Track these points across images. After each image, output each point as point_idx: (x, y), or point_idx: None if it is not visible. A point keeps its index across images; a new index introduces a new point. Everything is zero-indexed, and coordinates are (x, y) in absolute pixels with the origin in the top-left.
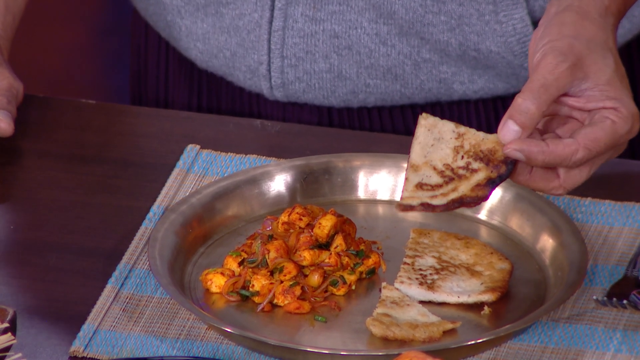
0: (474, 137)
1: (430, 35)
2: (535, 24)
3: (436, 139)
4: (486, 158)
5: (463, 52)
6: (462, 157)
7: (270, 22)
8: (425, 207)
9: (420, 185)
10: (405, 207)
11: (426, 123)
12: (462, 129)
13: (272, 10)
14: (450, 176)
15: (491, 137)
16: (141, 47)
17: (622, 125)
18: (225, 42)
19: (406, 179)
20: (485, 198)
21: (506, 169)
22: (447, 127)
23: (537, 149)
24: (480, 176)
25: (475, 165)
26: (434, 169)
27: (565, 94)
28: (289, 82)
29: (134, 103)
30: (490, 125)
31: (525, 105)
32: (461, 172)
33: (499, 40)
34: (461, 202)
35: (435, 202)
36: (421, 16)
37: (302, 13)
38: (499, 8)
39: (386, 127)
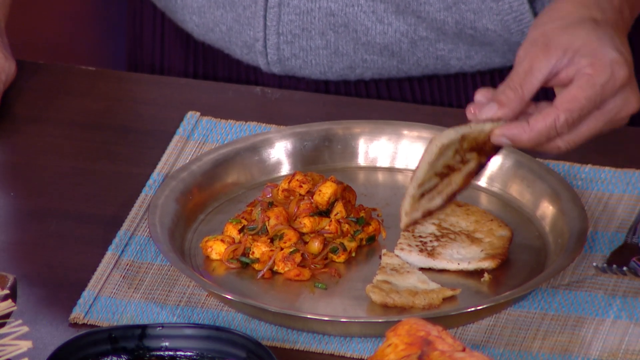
0: (474, 135)
1: (427, 14)
2: (531, 2)
3: (443, 154)
4: (478, 147)
5: (460, 30)
6: (460, 154)
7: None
8: (427, 214)
9: (422, 195)
10: (409, 224)
11: (439, 150)
12: (466, 130)
13: None
14: (447, 172)
15: (488, 129)
16: (137, 15)
17: (599, 74)
18: (221, 16)
19: (412, 196)
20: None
21: (495, 153)
22: (455, 141)
23: (518, 129)
24: (471, 165)
25: (469, 156)
26: (436, 174)
27: (555, 75)
28: (285, 58)
29: (130, 71)
30: None
31: (506, 96)
32: (456, 165)
33: (495, 18)
34: (454, 194)
35: (433, 204)
36: None
37: None
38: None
39: (383, 98)
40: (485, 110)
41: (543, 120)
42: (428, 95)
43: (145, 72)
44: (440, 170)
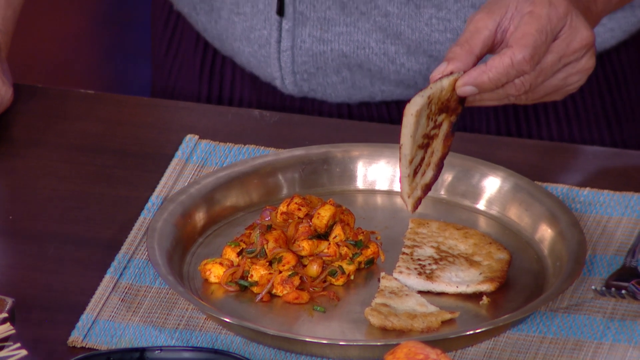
0: (436, 94)
1: (438, 53)
2: None
3: (419, 122)
4: (445, 107)
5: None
6: (431, 119)
7: (279, 42)
8: (426, 189)
9: (414, 172)
10: (416, 203)
11: (415, 118)
12: (430, 96)
13: (279, 30)
14: (427, 142)
15: (446, 84)
16: (156, 14)
17: (540, 7)
18: (239, 48)
19: (407, 176)
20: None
21: (461, 107)
22: (424, 104)
23: (477, 71)
24: (444, 127)
25: (440, 118)
26: (418, 146)
27: (504, 32)
28: (304, 92)
29: (154, 95)
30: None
31: (453, 52)
32: (432, 132)
33: None
34: (441, 161)
35: (427, 177)
36: (427, 35)
37: (309, 34)
38: None
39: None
40: (437, 68)
41: (500, 58)
42: None
43: (162, 68)
44: (421, 141)
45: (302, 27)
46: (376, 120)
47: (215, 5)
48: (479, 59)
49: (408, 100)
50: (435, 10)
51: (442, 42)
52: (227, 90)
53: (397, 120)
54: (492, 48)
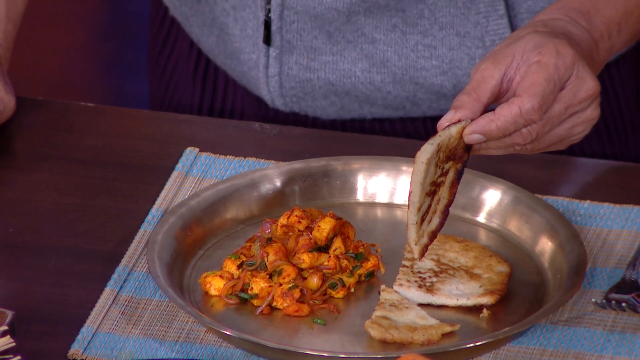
0: (445, 142)
1: (424, 80)
2: None
3: (429, 170)
4: (452, 155)
5: (457, 92)
6: (439, 166)
7: (267, 67)
8: (432, 236)
9: (422, 219)
10: (423, 250)
11: (426, 166)
12: (438, 140)
13: (267, 57)
14: (434, 189)
15: (454, 131)
16: (153, 21)
17: (548, 56)
18: (230, 64)
19: (414, 223)
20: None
21: (467, 155)
22: (434, 152)
23: (485, 120)
24: (451, 174)
25: (447, 165)
26: (426, 194)
27: (510, 81)
28: (294, 112)
29: (154, 108)
30: None
31: (461, 101)
32: (440, 179)
33: None
34: (447, 208)
35: (433, 225)
36: (414, 61)
37: (296, 62)
38: (488, 51)
39: (397, 133)
40: (445, 116)
41: (508, 107)
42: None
43: (159, 79)
44: (428, 189)
45: (289, 55)
46: (369, 133)
47: (206, 21)
48: (486, 107)
49: (401, 120)
50: (421, 37)
51: (428, 68)
52: (220, 99)
53: (391, 134)
54: (498, 97)
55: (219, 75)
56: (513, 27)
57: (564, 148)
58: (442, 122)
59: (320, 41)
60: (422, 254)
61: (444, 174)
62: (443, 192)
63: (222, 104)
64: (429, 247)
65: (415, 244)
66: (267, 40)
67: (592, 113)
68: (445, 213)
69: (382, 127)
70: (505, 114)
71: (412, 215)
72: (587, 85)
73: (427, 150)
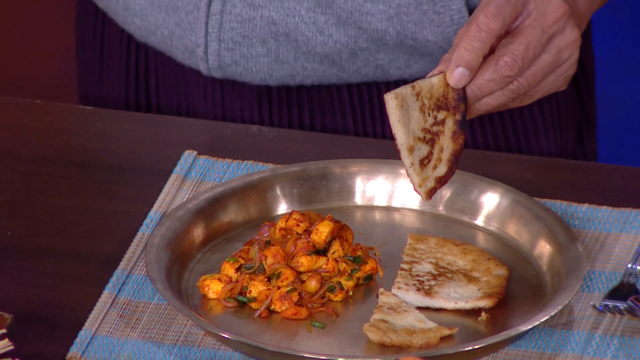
0: (426, 88)
1: (368, 25)
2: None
3: (406, 110)
4: (444, 104)
5: (400, 41)
6: (428, 114)
7: (209, 6)
8: (441, 181)
9: (421, 163)
10: (430, 193)
11: (396, 101)
12: (416, 86)
13: None
14: (430, 137)
15: (436, 80)
16: (81, 18)
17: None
18: (163, 20)
19: (410, 166)
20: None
21: (464, 105)
22: (407, 92)
23: (459, 50)
24: (449, 124)
25: (440, 115)
26: (419, 139)
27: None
28: (226, 64)
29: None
30: None
31: (444, 57)
32: (435, 128)
33: (436, 30)
34: (454, 157)
35: (440, 171)
36: (360, 5)
37: None
38: None
39: (325, 104)
40: (458, 79)
41: (466, 29)
42: (367, 102)
43: (88, 74)
44: (420, 134)
45: None
46: (294, 104)
47: None
48: None
49: (326, 87)
50: None
51: (374, 13)
52: (153, 95)
53: (316, 106)
54: None
55: (150, 72)
56: None
57: (565, 85)
58: (459, 83)
59: None
60: (430, 196)
61: (439, 123)
62: (445, 142)
63: (157, 101)
64: (429, 247)
65: (420, 187)
66: None
67: (571, 33)
68: (452, 161)
69: (309, 96)
70: (470, 33)
71: (405, 159)
72: (553, 4)
73: (394, 91)
